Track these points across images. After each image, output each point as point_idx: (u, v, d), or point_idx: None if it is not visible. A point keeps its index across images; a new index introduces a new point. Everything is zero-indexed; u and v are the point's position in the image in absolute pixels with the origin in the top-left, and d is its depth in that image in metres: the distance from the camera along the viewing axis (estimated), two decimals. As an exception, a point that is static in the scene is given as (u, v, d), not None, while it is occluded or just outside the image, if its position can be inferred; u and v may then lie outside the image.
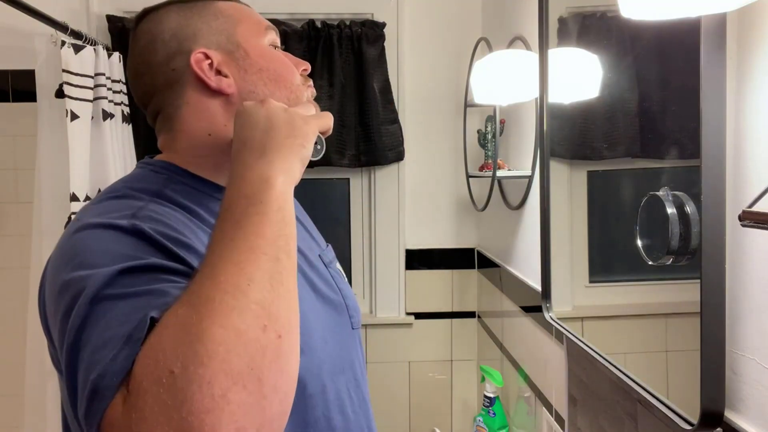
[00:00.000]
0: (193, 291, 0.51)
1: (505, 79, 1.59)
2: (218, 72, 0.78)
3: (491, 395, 1.77)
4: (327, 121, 0.72)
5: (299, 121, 0.66)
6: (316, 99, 0.85)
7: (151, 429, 0.45)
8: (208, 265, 0.53)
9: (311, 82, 0.86)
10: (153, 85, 0.80)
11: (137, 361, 0.48)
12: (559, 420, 1.39)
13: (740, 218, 0.63)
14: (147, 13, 0.82)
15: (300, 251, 0.86)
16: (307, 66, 0.86)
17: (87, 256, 0.60)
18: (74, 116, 1.71)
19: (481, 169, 1.92)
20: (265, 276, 0.52)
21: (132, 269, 0.57)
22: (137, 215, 0.66)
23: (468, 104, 2.09)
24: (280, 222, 0.57)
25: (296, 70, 0.84)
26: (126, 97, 2.02)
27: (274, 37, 0.85)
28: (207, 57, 0.78)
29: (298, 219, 0.94)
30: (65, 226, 1.72)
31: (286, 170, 0.61)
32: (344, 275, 0.94)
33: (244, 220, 0.55)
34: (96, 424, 0.48)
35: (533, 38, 1.50)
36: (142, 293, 0.54)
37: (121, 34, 2.10)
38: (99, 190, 1.82)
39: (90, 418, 0.49)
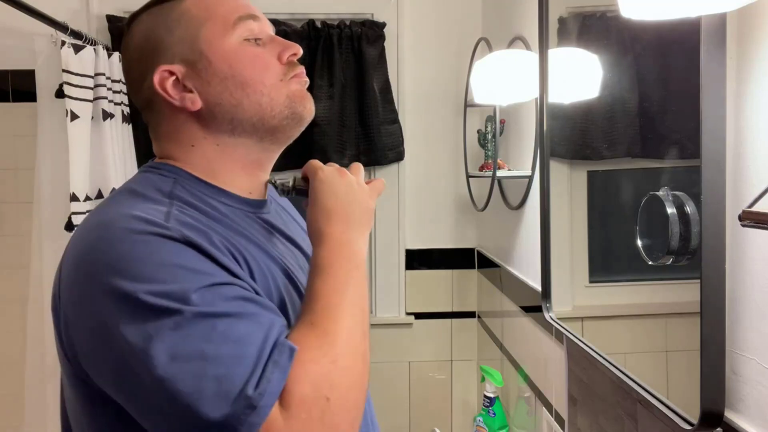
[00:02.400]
0: (326, 331, 0.64)
1: (505, 79, 1.59)
2: (184, 87, 0.75)
3: (491, 395, 1.77)
4: (381, 188, 0.83)
5: (367, 198, 0.78)
6: (316, 99, 0.82)
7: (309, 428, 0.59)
8: (329, 308, 0.66)
9: (301, 69, 0.80)
10: (138, 102, 0.81)
11: (295, 384, 0.59)
12: (559, 420, 1.39)
13: (740, 218, 0.63)
14: (129, 22, 0.81)
15: (304, 253, 0.86)
16: (297, 50, 0.79)
17: (145, 267, 0.62)
18: (74, 116, 1.71)
19: (481, 169, 1.92)
20: (364, 327, 0.68)
21: (211, 285, 0.62)
22: (175, 220, 0.67)
23: (468, 104, 2.09)
24: (365, 281, 0.73)
25: (274, 64, 0.77)
26: (126, 97, 2.02)
27: (250, 26, 0.77)
28: (171, 73, 0.75)
29: (295, 220, 0.94)
30: (65, 227, 1.73)
31: (365, 242, 0.75)
32: None
33: (350, 281, 0.69)
34: (257, 427, 0.57)
35: (533, 38, 1.50)
36: (238, 313, 0.61)
37: (121, 34, 2.08)
38: (99, 190, 1.82)
39: (244, 428, 0.57)
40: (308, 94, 0.81)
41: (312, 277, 0.70)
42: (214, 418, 0.56)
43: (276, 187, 0.83)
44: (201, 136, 0.77)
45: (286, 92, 0.78)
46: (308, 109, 0.80)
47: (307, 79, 0.82)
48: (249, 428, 0.56)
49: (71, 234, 0.74)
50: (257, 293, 0.67)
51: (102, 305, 0.61)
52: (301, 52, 0.80)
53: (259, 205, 0.82)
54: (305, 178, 0.81)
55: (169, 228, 0.65)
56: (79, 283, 0.64)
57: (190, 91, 0.75)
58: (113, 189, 1.83)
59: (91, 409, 0.68)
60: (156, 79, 0.75)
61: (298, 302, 0.75)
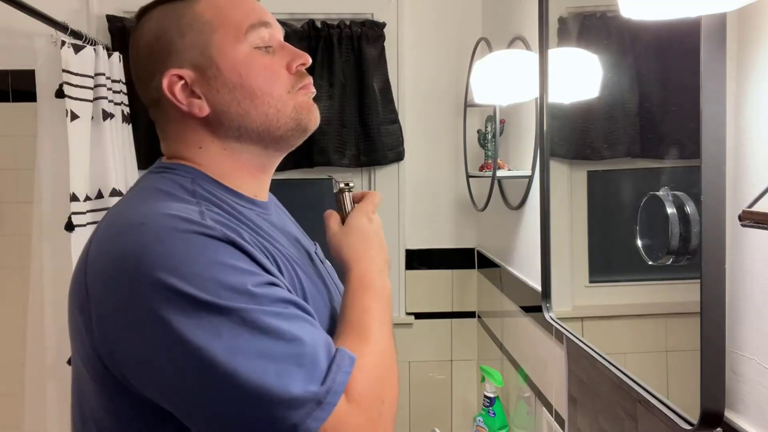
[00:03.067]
0: (377, 343, 0.72)
1: (505, 79, 1.59)
2: (192, 92, 0.76)
3: (491, 395, 1.77)
4: (378, 202, 0.89)
5: (383, 241, 0.85)
6: (316, 99, 0.83)
7: (366, 429, 0.65)
8: (377, 324, 0.73)
9: (308, 80, 0.81)
10: (145, 98, 0.81)
11: (357, 382, 0.65)
12: (559, 420, 1.39)
13: (740, 218, 0.63)
14: (139, 16, 0.81)
15: (304, 248, 0.87)
16: (306, 60, 0.80)
17: (196, 266, 0.63)
18: (74, 116, 1.71)
19: (481, 169, 1.92)
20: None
21: (259, 285, 0.65)
22: (211, 219, 0.68)
23: (468, 104, 2.09)
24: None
25: (283, 75, 0.78)
26: (126, 97, 2.02)
27: (262, 34, 0.78)
28: (180, 77, 0.75)
29: (291, 218, 0.95)
30: (65, 227, 1.73)
31: (387, 278, 0.83)
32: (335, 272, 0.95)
33: (389, 303, 0.79)
34: (323, 421, 0.61)
35: (533, 38, 1.50)
36: (288, 314, 0.65)
37: (121, 34, 2.10)
38: (99, 190, 1.82)
39: (312, 420, 0.60)
40: (314, 105, 0.82)
41: (359, 293, 0.77)
42: (283, 414, 0.59)
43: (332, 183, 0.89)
44: (208, 140, 0.78)
45: (293, 104, 0.78)
46: (314, 120, 0.81)
47: (314, 90, 0.82)
48: (315, 423, 0.60)
49: (94, 233, 0.72)
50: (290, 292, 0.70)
51: (153, 305, 0.61)
52: (309, 61, 0.81)
53: (264, 206, 0.83)
54: (350, 197, 0.88)
55: (210, 227, 0.66)
56: (122, 283, 0.64)
57: (198, 97, 0.76)
58: (113, 189, 1.83)
59: (118, 406, 0.68)
60: (165, 83, 0.75)
61: (313, 300, 0.77)
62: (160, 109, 0.79)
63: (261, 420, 0.60)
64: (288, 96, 0.78)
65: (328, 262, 0.93)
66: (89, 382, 0.70)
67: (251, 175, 0.81)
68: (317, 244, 0.95)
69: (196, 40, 0.76)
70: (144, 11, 0.80)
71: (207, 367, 0.60)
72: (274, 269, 0.70)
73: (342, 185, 0.87)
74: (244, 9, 0.78)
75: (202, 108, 0.76)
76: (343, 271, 0.82)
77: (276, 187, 0.90)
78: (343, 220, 0.86)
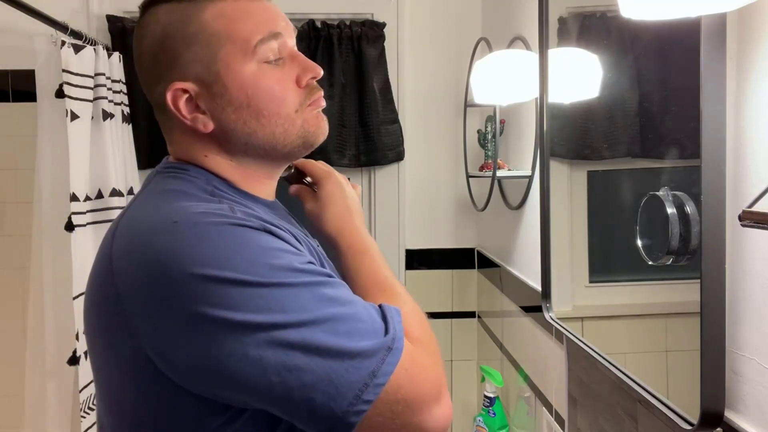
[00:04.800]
0: (398, 294, 0.77)
1: (505, 79, 1.59)
2: (197, 106, 0.74)
3: (491, 395, 1.77)
4: (359, 191, 0.97)
5: (354, 199, 0.92)
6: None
7: (433, 363, 0.70)
8: (388, 279, 0.80)
9: (318, 95, 0.79)
10: (150, 99, 0.80)
11: (409, 326, 0.71)
12: (559, 420, 1.39)
13: (740, 218, 0.63)
14: (142, 11, 0.77)
15: (309, 244, 0.88)
16: (316, 72, 0.78)
17: (238, 255, 0.63)
18: (74, 116, 1.71)
19: (481, 169, 1.92)
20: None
21: (307, 263, 0.68)
22: (241, 213, 0.68)
23: (468, 104, 2.09)
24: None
25: (292, 92, 0.76)
26: (126, 97, 2.01)
27: (272, 46, 0.75)
28: (185, 91, 0.73)
29: (294, 216, 0.95)
30: (65, 227, 1.73)
31: (368, 233, 0.89)
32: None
33: (385, 266, 0.83)
34: (395, 365, 0.65)
35: (533, 38, 1.50)
36: (333, 282, 0.69)
37: (121, 34, 2.10)
38: (99, 190, 1.82)
39: (386, 365, 0.64)
40: (323, 117, 0.81)
41: (358, 260, 0.82)
42: (360, 365, 0.63)
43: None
44: (214, 151, 0.78)
45: (300, 123, 0.78)
46: (321, 135, 0.81)
47: (324, 104, 0.81)
48: (389, 367, 0.64)
49: (113, 232, 0.70)
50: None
51: (207, 305, 0.61)
52: (321, 73, 0.79)
53: (273, 206, 0.84)
54: (300, 171, 0.92)
55: (244, 219, 0.67)
56: (166, 285, 0.62)
57: (203, 112, 0.74)
58: (113, 189, 1.83)
59: (169, 404, 0.67)
60: (169, 96, 0.74)
61: None
62: (165, 114, 0.78)
63: (343, 375, 0.62)
64: (296, 115, 0.77)
65: (329, 260, 0.93)
66: (127, 384, 0.68)
67: (259, 182, 0.81)
68: (317, 241, 0.95)
69: (202, 53, 0.73)
70: (147, 6, 0.76)
71: (284, 343, 0.62)
72: (305, 251, 0.72)
73: (288, 166, 0.89)
74: (255, 21, 0.74)
75: (206, 124, 0.75)
76: (329, 243, 0.86)
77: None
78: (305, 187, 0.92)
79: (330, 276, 0.69)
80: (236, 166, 0.79)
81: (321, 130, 0.81)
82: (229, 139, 0.76)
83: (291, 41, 0.79)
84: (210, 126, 0.75)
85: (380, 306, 0.71)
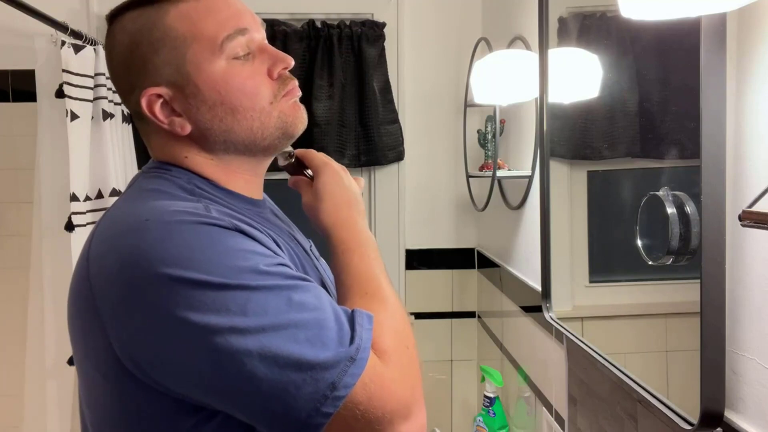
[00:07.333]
0: (382, 298, 0.74)
1: (505, 79, 1.59)
2: (172, 110, 0.75)
3: (491, 395, 1.77)
4: (362, 184, 0.92)
5: (355, 191, 0.88)
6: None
7: (400, 377, 0.66)
8: (374, 279, 0.76)
9: (293, 85, 0.79)
10: (127, 106, 0.80)
11: (380, 336, 0.67)
12: (559, 420, 1.39)
13: (740, 218, 0.63)
14: (109, 21, 0.78)
15: (300, 244, 0.87)
16: (287, 63, 0.78)
17: (211, 255, 0.63)
18: (74, 116, 1.71)
19: (481, 169, 1.92)
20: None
21: (275, 265, 0.67)
22: (216, 212, 0.68)
23: (468, 104, 2.09)
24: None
25: (264, 85, 0.76)
26: (126, 97, 2.01)
27: (239, 42, 0.74)
28: (159, 96, 0.74)
29: (285, 217, 0.95)
30: (65, 227, 1.73)
31: (367, 228, 0.85)
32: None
33: (377, 256, 0.80)
34: (358, 376, 0.63)
35: (533, 38, 1.50)
36: (303, 286, 0.67)
37: (121, 34, 2.10)
38: (99, 190, 1.82)
39: (348, 377, 0.62)
40: (300, 106, 0.80)
41: (347, 256, 0.78)
42: (320, 375, 0.61)
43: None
44: (194, 152, 0.78)
45: (277, 114, 0.77)
46: (300, 124, 0.80)
47: (300, 93, 0.80)
48: (351, 379, 0.62)
49: (92, 234, 0.71)
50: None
51: (171, 303, 0.61)
52: (292, 63, 0.78)
53: (260, 204, 0.83)
54: (300, 162, 0.89)
55: (217, 218, 0.67)
56: (136, 283, 0.63)
57: (179, 115, 0.75)
58: (113, 189, 1.83)
59: (138, 405, 0.67)
60: (144, 102, 0.74)
61: None
62: (143, 120, 0.78)
63: (300, 386, 0.61)
64: (271, 107, 0.76)
65: (323, 260, 0.93)
66: (102, 383, 0.69)
67: (243, 179, 0.81)
68: (311, 241, 0.95)
69: (171, 56, 0.73)
70: (113, 15, 0.77)
71: (241, 350, 0.60)
72: (281, 253, 0.71)
73: (288, 154, 0.87)
74: (219, 18, 0.74)
75: (183, 126, 0.75)
76: (323, 237, 0.83)
77: (273, 188, 0.90)
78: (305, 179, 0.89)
79: (303, 279, 0.68)
80: (218, 164, 0.79)
81: (299, 119, 0.80)
82: (207, 138, 0.76)
83: (259, 35, 0.78)
84: (187, 128, 0.75)
85: (353, 312, 0.68)
